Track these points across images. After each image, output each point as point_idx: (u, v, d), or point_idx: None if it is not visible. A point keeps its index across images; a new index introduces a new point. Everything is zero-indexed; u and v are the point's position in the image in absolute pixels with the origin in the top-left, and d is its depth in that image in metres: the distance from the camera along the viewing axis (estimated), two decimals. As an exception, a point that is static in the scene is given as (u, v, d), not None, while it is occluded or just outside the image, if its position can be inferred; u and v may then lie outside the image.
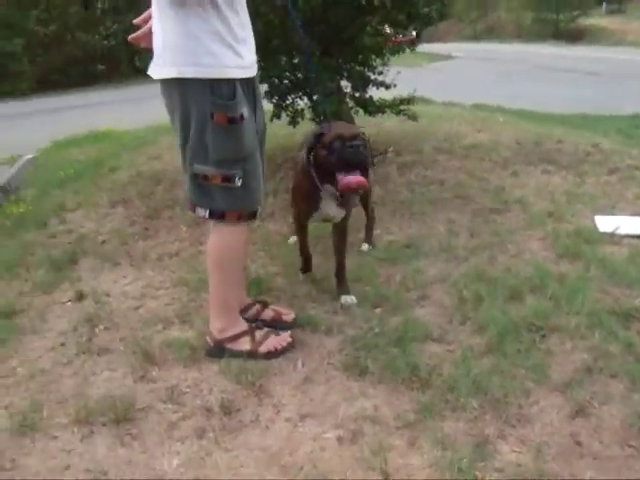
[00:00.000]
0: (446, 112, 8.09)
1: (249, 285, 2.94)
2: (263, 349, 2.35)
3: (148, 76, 2.25)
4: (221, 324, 2.41)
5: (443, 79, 15.21)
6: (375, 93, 5.24)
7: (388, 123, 6.60)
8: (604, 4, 42.33)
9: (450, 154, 5.25)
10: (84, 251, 3.71)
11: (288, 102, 4.93)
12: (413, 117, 5.13)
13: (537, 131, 6.34)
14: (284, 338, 2.38)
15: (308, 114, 5.11)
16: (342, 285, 2.76)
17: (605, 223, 3.44)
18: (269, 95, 4.83)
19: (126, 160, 6.22)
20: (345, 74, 4.90)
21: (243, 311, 2.56)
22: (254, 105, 2.26)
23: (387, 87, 5.23)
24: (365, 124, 5.90)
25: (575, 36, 31.07)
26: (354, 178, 2.21)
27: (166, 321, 2.74)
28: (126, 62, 22.00)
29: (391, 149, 5.45)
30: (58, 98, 18.37)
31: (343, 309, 2.65)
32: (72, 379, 2.35)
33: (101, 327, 2.77)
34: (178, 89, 2.11)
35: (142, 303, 2.97)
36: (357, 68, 4.88)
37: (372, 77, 5.13)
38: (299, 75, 4.71)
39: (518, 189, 4.23)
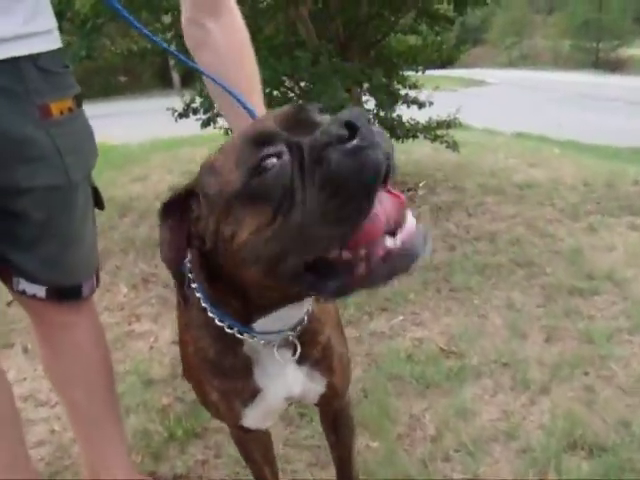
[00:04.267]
0: (488, 141, 6.86)
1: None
2: None
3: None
4: None
5: (479, 105, 13.94)
6: (405, 113, 4.07)
7: (419, 151, 5.42)
8: (644, 35, 42.00)
9: (500, 195, 4.01)
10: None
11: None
12: (453, 145, 3.93)
13: (605, 168, 5.07)
14: None
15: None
16: None
17: None
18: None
19: (105, 180, 5.08)
20: (366, 83, 3.71)
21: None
22: None
23: (421, 106, 4.06)
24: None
25: (615, 66, 29.85)
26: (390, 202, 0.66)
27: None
28: (149, 73, 21.46)
29: (423, 184, 4.25)
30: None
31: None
32: None
33: None
34: None
35: None
36: (382, 79, 3.67)
37: (402, 92, 3.95)
38: (302, 84, 3.53)
39: (603, 254, 2.96)
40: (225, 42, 1.10)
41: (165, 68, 19.14)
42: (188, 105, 3.59)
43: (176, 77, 18.87)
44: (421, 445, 1.62)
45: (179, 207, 0.76)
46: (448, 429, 1.66)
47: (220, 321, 0.84)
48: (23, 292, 1.18)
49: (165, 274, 2.88)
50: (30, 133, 1.05)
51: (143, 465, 1.60)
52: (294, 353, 0.91)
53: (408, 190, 4.13)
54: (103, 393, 1.35)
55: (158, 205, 0.77)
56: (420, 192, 4.09)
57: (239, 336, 0.85)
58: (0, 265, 1.15)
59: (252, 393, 0.93)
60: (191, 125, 4.40)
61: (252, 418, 0.97)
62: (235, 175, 0.68)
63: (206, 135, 7.31)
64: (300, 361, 0.93)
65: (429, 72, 4.21)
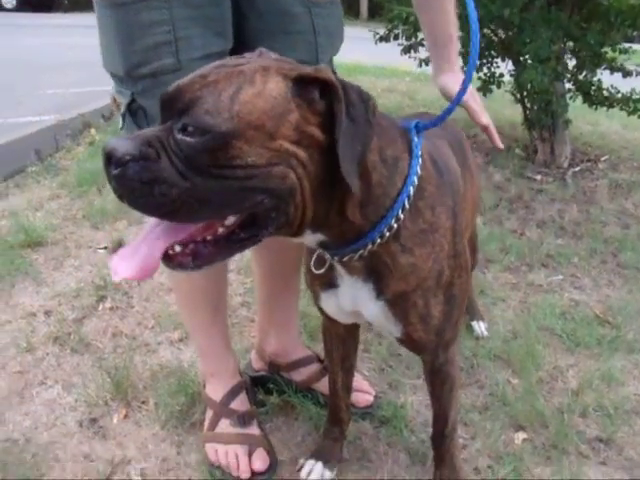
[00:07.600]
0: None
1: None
2: (211, 454, 1.32)
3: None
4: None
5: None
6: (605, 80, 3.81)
7: (606, 124, 5.08)
8: None
9: (688, 185, 3.70)
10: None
11: (483, 62, 3.65)
12: (653, 122, 3.65)
13: None
14: (257, 463, 1.28)
15: (508, 83, 3.80)
16: (443, 467, 1.26)
17: None
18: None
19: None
20: (575, 41, 3.51)
21: (290, 367, 1.53)
22: None
23: (627, 74, 3.76)
24: (578, 118, 4.49)
25: None
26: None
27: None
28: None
29: (605, 158, 4.01)
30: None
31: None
32: None
33: (107, 304, 1.91)
34: None
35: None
36: (598, 37, 3.43)
37: (609, 55, 3.69)
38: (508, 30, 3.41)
39: None
40: None
41: (354, -3, 19.04)
42: (390, 30, 3.63)
43: (364, 8, 18.71)
44: (560, 395, 1.64)
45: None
46: (591, 389, 1.66)
47: None
48: None
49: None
50: (295, 8, 1.15)
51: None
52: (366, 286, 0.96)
53: (588, 161, 3.93)
54: (294, 283, 1.50)
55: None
56: (600, 165, 3.87)
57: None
58: None
59: (328, 284, 1.02)
60: (374, 55, 4.39)
61: (326, 304, 1.06)
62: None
63: (389, 67, 7.34)
64: (377, 294, 0.96)
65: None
